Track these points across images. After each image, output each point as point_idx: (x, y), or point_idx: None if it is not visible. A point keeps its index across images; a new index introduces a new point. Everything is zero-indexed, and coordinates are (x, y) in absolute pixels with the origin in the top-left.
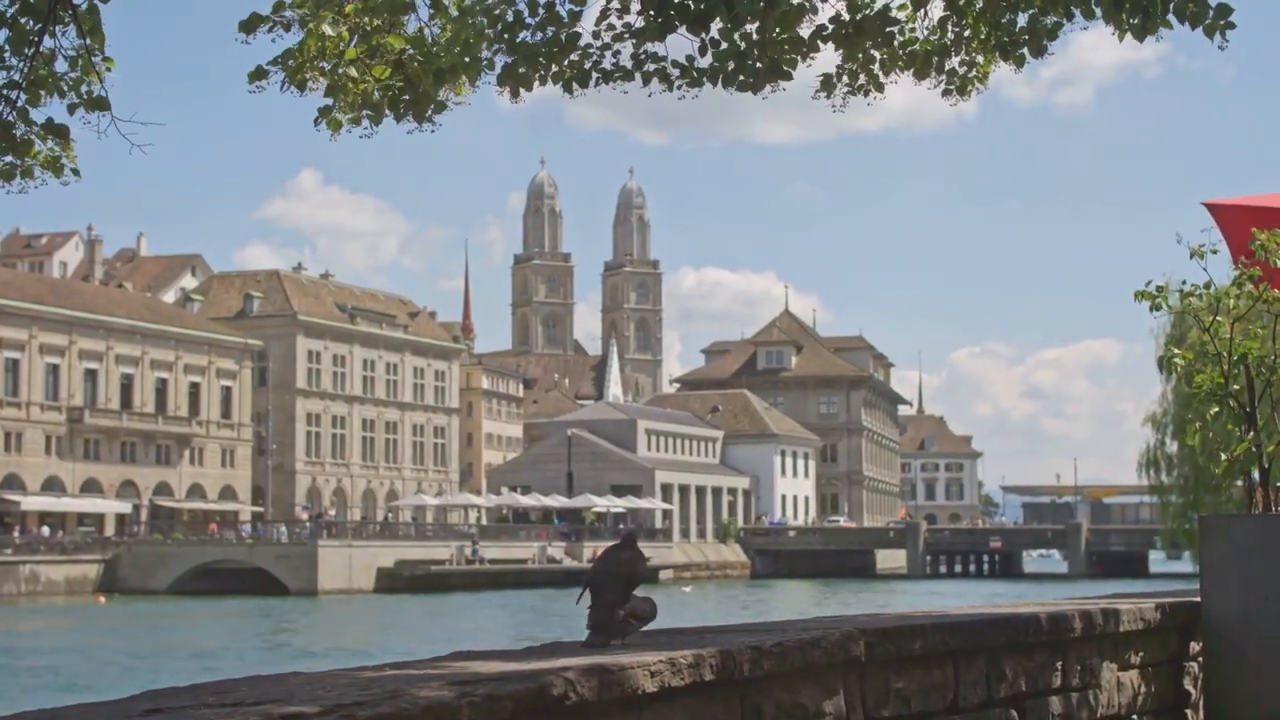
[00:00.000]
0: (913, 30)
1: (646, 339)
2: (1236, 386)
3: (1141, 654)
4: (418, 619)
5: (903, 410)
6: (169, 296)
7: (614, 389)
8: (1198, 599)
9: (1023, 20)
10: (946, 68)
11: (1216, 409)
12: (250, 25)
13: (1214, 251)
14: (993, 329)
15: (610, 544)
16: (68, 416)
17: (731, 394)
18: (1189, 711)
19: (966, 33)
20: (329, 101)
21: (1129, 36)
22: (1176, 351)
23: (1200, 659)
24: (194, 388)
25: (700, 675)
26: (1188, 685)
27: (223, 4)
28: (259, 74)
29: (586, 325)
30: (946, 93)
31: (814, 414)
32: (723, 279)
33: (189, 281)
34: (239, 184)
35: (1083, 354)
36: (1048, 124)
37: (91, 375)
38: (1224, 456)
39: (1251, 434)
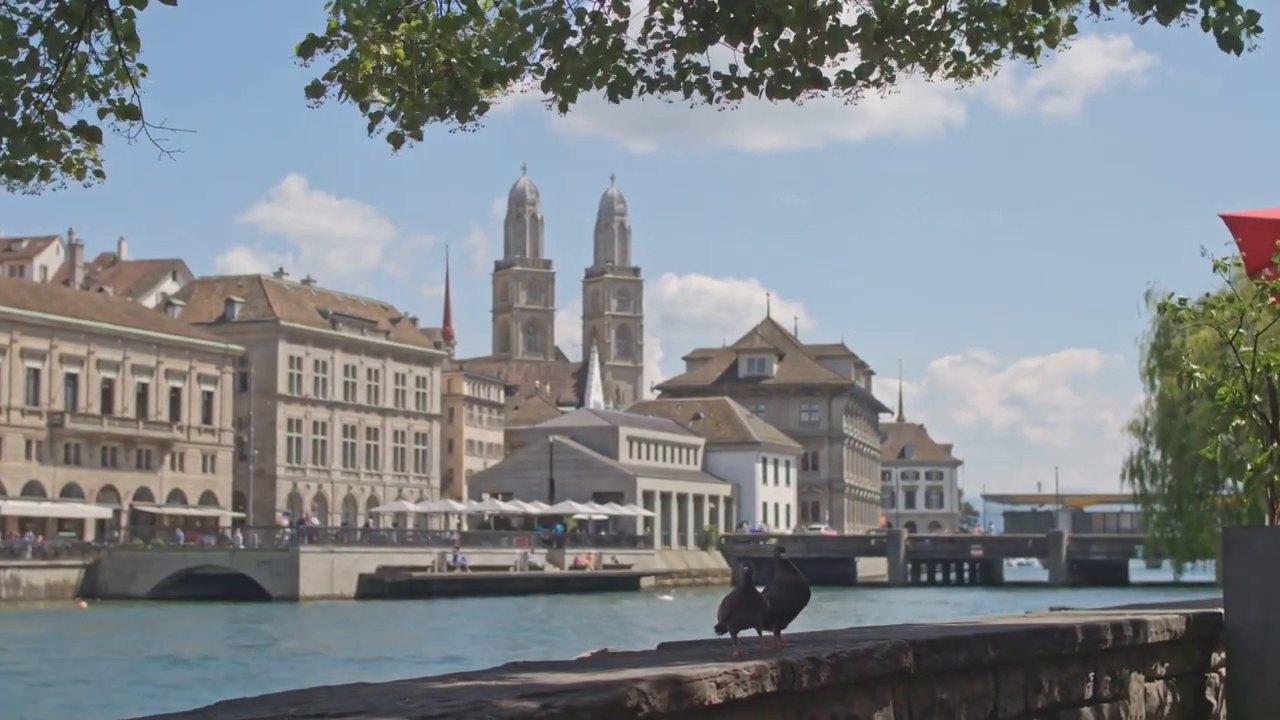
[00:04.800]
0: (934, 28)
1: (627, 346)
2: (1259, 399)
3: (1166, 665)
4: (403, 625)
5: (883, 418)
6: (150, 301)
7: (595, 396)
8: (1219, 610)
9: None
10: (956, 59)
11: (1239, 421)
12: (308, 49)
13: (1238, 265)
14: (974, 337)
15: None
16: (48, 421)
17: (713, 401)
18: None
19: (980, 23)
20: (378, 109)
21: (1119, 42)
22: (1198, 368)
23: (1222, 670)
24: (175, 393)
25: (762, 687)
26: (1209, 696)
27: (213, 6)
28: (316, 90)
29: (567, 332)
30: (949, 76)
31: (795, 421)
32: (706, 286)
33: (170, 286)
34: (223, 189)
35: (1064, 362)
36: (1035, 133)
37: (72, 380)
38: (1248, 467)
39: (1274, 446)
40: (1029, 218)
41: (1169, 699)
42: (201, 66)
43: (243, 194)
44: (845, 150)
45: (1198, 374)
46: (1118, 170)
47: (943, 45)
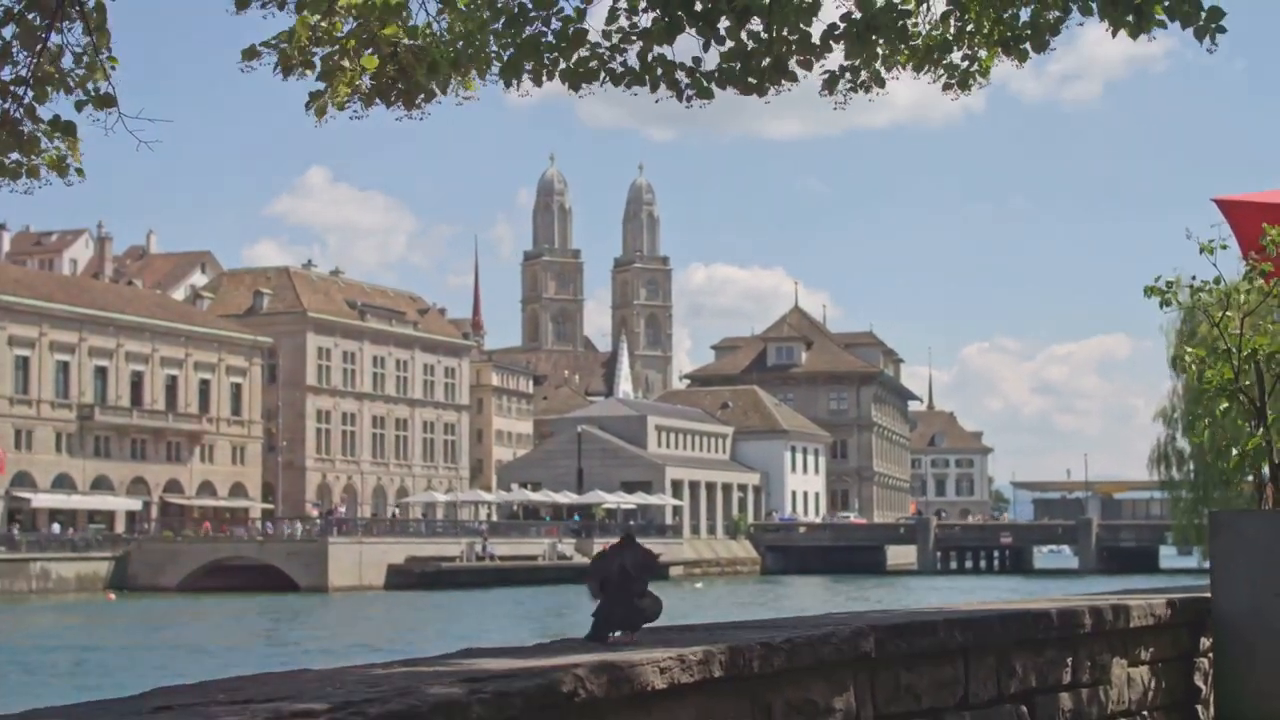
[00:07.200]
0: (915, 26)
1: (656, 335)
2: (1247, 382)
3: (1152, 650)
4: (430, 616)
5: (913, 406)
6: (178, 294)
7: (624, 385)
8: (1208, 595)
9: (1025, 15)
10: (947, 62)
11: (1227, 404)
12: (243, 0)
13: (1224, 247)
14: (1003, 324)
15: (613, 542)
16: (78, 414)
17: (741, 390)
18: (1199, 707)
19: (969, 27)
20: (321, 86)
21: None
22: (1189, 350)
23: (1211, 655)
24: (204, 385)
25: (710, 672)
26: (1198, 681)
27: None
28: (251, 53)
29: (596, 321)
30: (947, 87)
31: (824, 410)
32: (732, 275)
33: (199, 279)
34: (247, 181)
35: (1094, 349)
36: (1056, 119)
37: (102, 372)
38: (1235, 452)
39: (1261, 429)
40: (1053, 204)
41: (1154, 684)
42: (219, 59)
43: (266, 186)
44: (867, 137)
45: (1189, 356)
46: (1140, 155)
47: (936, 51)
